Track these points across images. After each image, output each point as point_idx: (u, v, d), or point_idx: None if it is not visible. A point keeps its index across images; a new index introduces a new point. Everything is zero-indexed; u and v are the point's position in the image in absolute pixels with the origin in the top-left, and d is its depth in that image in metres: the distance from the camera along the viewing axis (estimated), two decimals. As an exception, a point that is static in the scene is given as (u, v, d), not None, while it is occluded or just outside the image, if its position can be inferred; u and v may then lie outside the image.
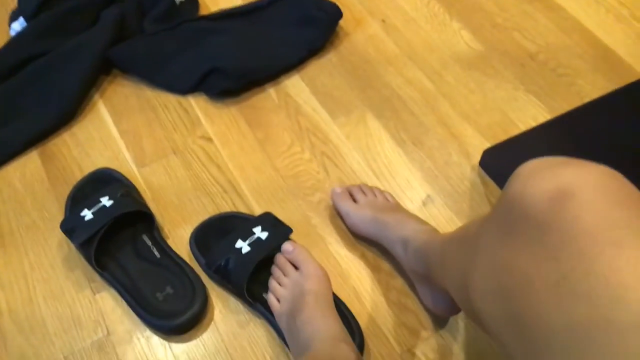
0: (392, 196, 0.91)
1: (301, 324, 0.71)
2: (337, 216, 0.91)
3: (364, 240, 0.88)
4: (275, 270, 0.80)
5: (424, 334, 0.80)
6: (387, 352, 0.78)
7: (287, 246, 0.80)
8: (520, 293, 0.39)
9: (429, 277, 0.73)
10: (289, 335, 0.75)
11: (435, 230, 0.80)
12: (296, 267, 0.78)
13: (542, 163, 0.43)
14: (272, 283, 0.79)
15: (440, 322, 0.81)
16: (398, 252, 0.80)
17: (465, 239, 0.53)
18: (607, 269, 0.34)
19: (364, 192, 0.90)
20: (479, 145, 1.00)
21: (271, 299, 0.78)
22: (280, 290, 0.77)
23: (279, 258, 0.80)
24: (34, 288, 0.85)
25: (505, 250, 0.42)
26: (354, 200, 0.89)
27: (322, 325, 0.70)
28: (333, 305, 0.75)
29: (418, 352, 0.78)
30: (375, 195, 0.89)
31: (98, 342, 0.80)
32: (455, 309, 0.77)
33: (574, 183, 0.38)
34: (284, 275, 0.78)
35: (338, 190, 0.91)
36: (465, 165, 0.98)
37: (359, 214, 0.86)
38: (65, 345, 0.80)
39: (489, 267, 0.44)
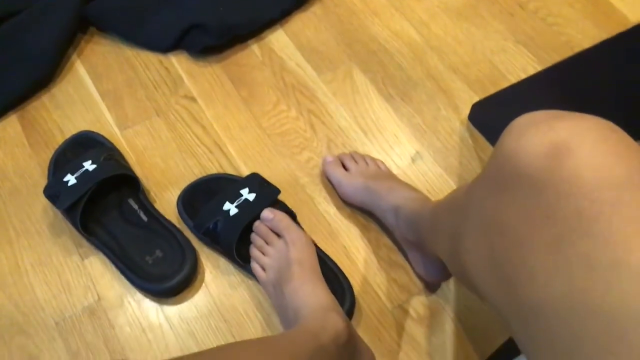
0: (384, 164, 0.90)
1: (289, 294, 0.70)
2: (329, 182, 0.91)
3: (356, 209, 0.87)
4: (256, 239, 0.79)
5: (415, 289, 0.80)
6: (378, 309, 0.79)
7: (266, 214, 0.78)
8: (512, 256, 0.37)
9: (421, 245, 0.72)
10: (277, 305, 0.75)
11: (426, 198, 0.79)
12: (278, 235, 0.77)
13: (536, 117, 0.40)
14: (255, 252, 0.78)
15: (425, 282, 0.81)
16: (389, 220, 0.79)
17: (455, 203, 0.52)
18: (606, 230, 0.32)
19: (355, 160, 0.89)
20: (468, 98, 0.98)
21: (255, 267, 0.77)
22: (264, 259, 0.76)
23: (260, 227, 0.79)
24: (20, 255, 0.84)
25: (497, 210, 0.40)
26: (346, 169, 0.88)
27: (310, 295, 0.69)
28: (320, 273, 0.74)
29: (409, 307, 0.79)
30: (367, 163, 0.88)
31: (89, 307, 0.80)
32: (446, 275, 0.78)
33: (571, 138, 0.36)
34: (267, 243, 0.77)
35: (329, 159, 0.89)
36: (454, 119, 0.96)
37: (351, 182, 0.85)
38: (55, 311, 0.79)
39: (480, 229, 0.42)
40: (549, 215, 0.35)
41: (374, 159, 0.89)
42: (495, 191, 0.40)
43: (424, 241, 0.69)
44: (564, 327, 0.33)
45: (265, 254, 0.77)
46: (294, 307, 0.69)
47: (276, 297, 0.74)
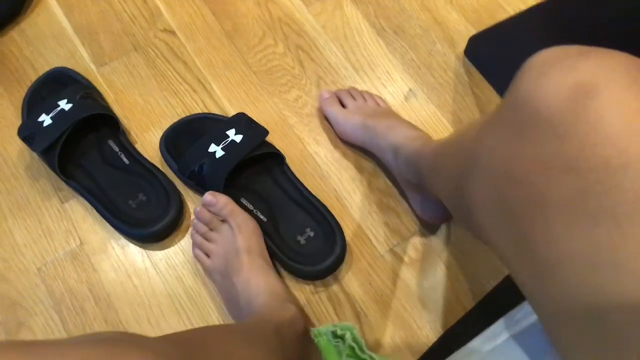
0: (383, 100, 0.86)
1: (240, 285, 0.67)
2: (316, 115, 0.87)
3: (354, 148, 0.84)
4: (198, 225, 0.74)
5: (407, 233, 0.79)
6: (369, 252, 0.78)
7: (209, 198, 0.72)
8: (528, 209, 0.34)
9: (420, 185, 0.69)
10: (224, 294, 0.71)
11: (427, 137, 0.74)
12: (222, 220, 0.73)
13: (558, 53, 0.35)
14: (197, 237, 0.74)
15: (422, 221, 0.79)
16: (388, 159, 0.76)
17: (461, 144, 0.48)
18: (636, 184, 0.29)
19: (353, 97, 0.84)
20: (464, 31, 0.93)
21: (199, 254, 0.74)
22: (208, 245, 0.72)
23: (202, 212, 0.73)
24: (-3, 199, 0.81)
25: (510, 159, 0.36)
26: (343, 106, 0.84)
27: (262, 285, 0.66)
28: (269, 259, 0.72)
29: (400, 251, 0.78)
30: (365, 100, 0.84)
31: (71, 252, 0.77)
32: (445, 217, 0.75)
33: (597, 77, 0.32)
34: (210, 229, 0.73)
35: (326, 95, 0.85)
36: (449, 54, 0.92)
37: (348, 120, 0.81)
38: (36, 257, 0.77)
39: (491, 177, 0.38)
40: (572, 166, 0.31)
41: (372, 95, 0.85)
42: (509, 137, 0.36)
43: (424, 181, 0.66)
44: (585, 284, 0.31)
45: (210, 240, 0.73)
46: (246, 297, 0.66)
47: (224, 285, 0.71)
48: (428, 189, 0.66)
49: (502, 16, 0.95)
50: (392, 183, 0.82)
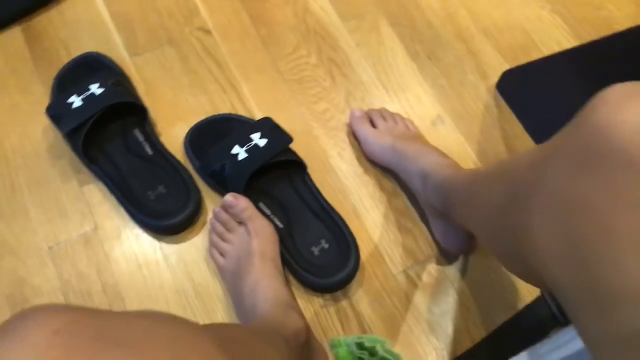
0: (413, 124, 0.86)
1: (247, 287, 0.67)
2: (341, 129, 0.87)
3: (376, 166, 0.84)
4: (216, 225, 0.74)
5: (421, 256, 0.78)
6: (382, 272, 0.77)
7: (229, 200, 0.72)
8: (595, 239, 0.34)
9: (447, 213, 0.69)
10: (233, 295, 0.71)
11: (457, 165, 0.74)
12: (240, 223, 0.73)
13: (634, 88, 0.35)
14: (214, 237, 0.74)
15: (438, 247, 0.79)
16: (416, 184, 0.75)
17: (509, 173, 0.48)
18: None
19: (384, 118, 0.84)
20: (497, 65, 0.94)
21: (214, 253, 0.74)
22: (224, 245, 0.73)
23: (220, 213, 0.74)
24: (16, 173, 0.80)
25: (581, 188, 0.35)
26: (373, 126, 0.84)
27: (269, 291, 0.66)
28: (281, 267, 0.71)
29: (413, 274, 0.77)
30: (396, 122, 0.84)
31: (85, 235, 0.77)
32: (467, 248, 0.75)
33: None
34: (227, 230, 0.73)
35: (357, 113, 0.85)
36: (480, 85, 0.92)
37: (378, 140, 0.81)
38: (49, 236, 0.76)
39: (556, 207, 0.38)
40: None
41: (403, 118, 0.85)
42: (579, 167, 0.36)
43: (453, 210, 0.65)
44: None
45: (226, 240, 0.73)
46: (252, 300, 0.66)
47: (233, 285, 0.71)
48: (456, 218, 0.65)
49: (536, 55, 0.96)
50: (412, 205, 0.81)
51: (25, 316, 0.29)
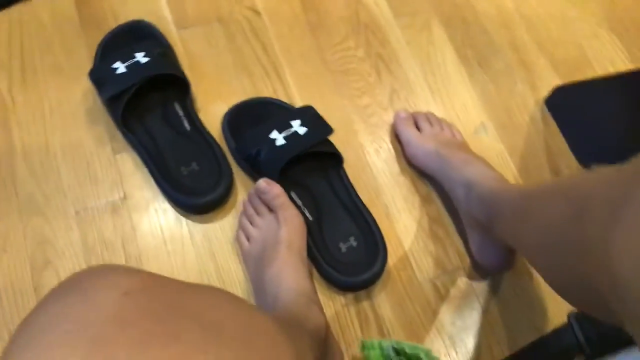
0: (459, 132, 0.83)
1: (270, 275, 0.65)
2: (382, 126, 0.85)
3: (413, 169, 0.82)
4: (247, 207, 0.74)
5: (449, 267, 0.76)
6: (407, 277, 0.75)
7: (263, 185, 0.71)
8: None
9: (489, 227, 0.66)
10: (255, 281, 0.70)
11: (504, 178, 0.71)
12: (270, 209, 0.72)
13: None
14: (243, 220, 0.73)
15: (467, 259, 0.77)
16: (458, 194, 0.73)
17: (573, 191, 0.45)
18: None
19: (430, 122, 0.82)
20: (548, 78, 0.91)
21: (240, 236, 0.73)
22: (251, 230, 0.72)
23: (253, 197, 0.73)
24: (52, 134, 0.80)
25: None
26: (418, 129, 0.82)
27: (292, 282, 0.64)
28: (306, 259, 0.70)
29: (439, 283, 0.75)
30: (442, 128, 0.82)
31: (113, 203, 0.76)
32: (503, 265, 0.72)
33: None
34: (257, 214, 0.72)
35: (403, 114, 0.83)
36: (529, 97, 0.89)
37: (422, 145, 0.79)
38: (78, 200, 0.76)
39: None
40: None
41: (449, 125, 0.83)
42: None
43: (497, 224, 0.63)
44: None
45: (254, 224, 0.72)
46: (274, 289, 0.64)
47: (255, 271, 0.69)
48: (499, 232, 0.63)
49: (588, 72, 0.92)
50: (446, 213, 0.79)
51: (94, 274, 0.28)
